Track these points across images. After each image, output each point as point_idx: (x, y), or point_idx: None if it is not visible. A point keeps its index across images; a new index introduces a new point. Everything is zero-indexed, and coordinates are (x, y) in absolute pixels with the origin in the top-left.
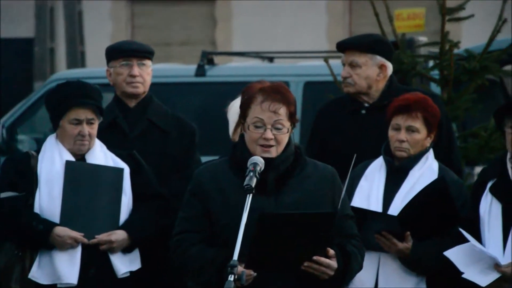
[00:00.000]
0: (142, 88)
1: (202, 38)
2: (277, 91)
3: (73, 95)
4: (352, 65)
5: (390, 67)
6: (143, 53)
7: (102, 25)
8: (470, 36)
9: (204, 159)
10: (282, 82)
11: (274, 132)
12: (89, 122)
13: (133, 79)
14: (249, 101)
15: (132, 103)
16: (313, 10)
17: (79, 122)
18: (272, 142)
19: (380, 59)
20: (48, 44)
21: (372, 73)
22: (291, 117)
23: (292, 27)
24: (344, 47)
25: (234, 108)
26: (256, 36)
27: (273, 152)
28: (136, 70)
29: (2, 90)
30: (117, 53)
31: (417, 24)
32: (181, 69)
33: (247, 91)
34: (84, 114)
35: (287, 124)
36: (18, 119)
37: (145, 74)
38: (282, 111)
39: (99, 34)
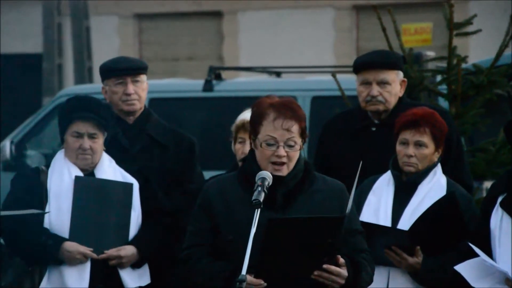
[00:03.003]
0: (139, 104)
1: (209, 53)
2: (288, 108)
3: (76, 109)
4: (382, 83)
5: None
6: (137, 70)
7: (110, 40)
8: (478, 50)
9: (211, 173)
10: (291, 97)
11: (286, 150)
12: (91, 137)
13: (129, 97)
14: (260, 117)
15: (130, 120)
16: (320, 25)
17: (79, 135)
18: (285, 159)
19: (401, 75)
20: (56, 59)
21: (398, 89)
22: (303, 133)
23: (299, 42)
24: (373, 65)
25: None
26: (263, 51)
27: (285, 170)
28: (130, 88)
29: (11, 105)
30: (110, 72)
31: (425, 38)
32: (188, 84)
33: (257, 106)
34: (85, 128)
35: (299, 140)
36: (26, 134)
37: (140, 90)
38: (295, 128)
39: (107, 49)
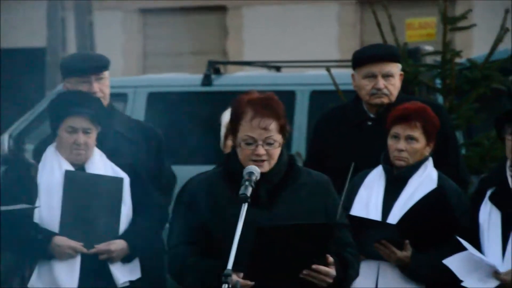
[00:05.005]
0: (104, 101)
1: (213, 48)
2: (266, 106)
3: (70, 104)
4: (387, 76)
5: None
6: (101, 68)
7: (114, 35)
8: (481, 45)
9: (207, 168)
10: (271, 93)
11: (266, 148)
12: (85, 132)
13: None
14: (239, 116)
15: None
16: (324, 20)
17: (74, 130)
18: (264, 157)
19: (400, 67)
20: (59, 54)
21: (399, 82)
22: (282, 129)
23: (303, 37)
24: (379, 58)
25: (224, 121)
26: (267, 46)
27: (266, 167)
28: (95, 87)
29: (15, 99)
30: (74, 71)
31: (429, 33)
32: (187, 79)
33: (235, 105)
34: (79, 123)
35: (279, 137)
36: (26, 128)
37: (104, 87)
38: (273, 126)
39: (111, 44)
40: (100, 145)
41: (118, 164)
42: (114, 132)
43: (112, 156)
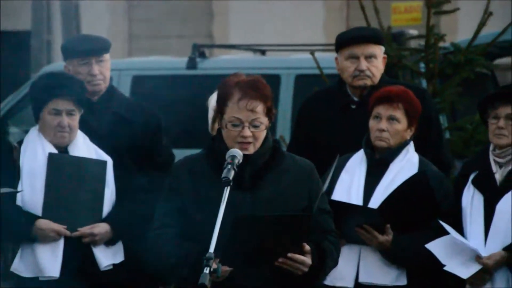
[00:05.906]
0: (104, 84)
1: (199, 32)
2: (253, 87)
3: (53, 86)
4: (370, 57)
5: None
6: (102, 51)
7: (99, 18)
8: (466, 30)
9: (192, 151)
10: (258, 76)
11: (252, 130)
12: (69, 114)
13: (94, 78)
14: (226, 97)
15: (95, 98)
16: (310, 5)
17: (58, 112)
18: (250, 139)
19: (383, 50)
20: (45, 36)
21: (382, 64)
22: (268, 112)
23: (290, 22)
24: (361, 39)
25: (211, 104)
26: (253, 30)
27: (251, 149)
28: (95, 69)
29: (0, 82)
30: (74, 52)
31: (414, 17)
32: (172, 62)
33: (222, 86)
34: (63, 105)
35: (265, 120)
36: (9, 111)
37: (105, 70)
38: (260, 108)
39: (96, 27)
40: (97, 125)
41: (106, 146)
42: (112, 113)
43: (108, 137)
